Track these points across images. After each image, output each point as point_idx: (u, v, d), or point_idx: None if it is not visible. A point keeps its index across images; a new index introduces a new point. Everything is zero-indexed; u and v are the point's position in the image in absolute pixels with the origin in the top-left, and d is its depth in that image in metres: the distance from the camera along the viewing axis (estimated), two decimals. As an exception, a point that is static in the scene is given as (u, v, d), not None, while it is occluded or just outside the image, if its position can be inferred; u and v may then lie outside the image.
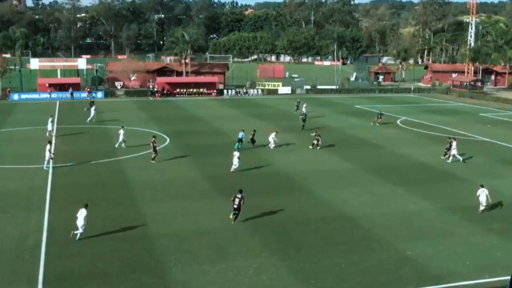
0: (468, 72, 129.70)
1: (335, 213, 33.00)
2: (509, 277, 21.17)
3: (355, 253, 26.89)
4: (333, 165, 45.90)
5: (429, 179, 41.42)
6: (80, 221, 27.80)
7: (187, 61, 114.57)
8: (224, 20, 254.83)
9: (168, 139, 55.46)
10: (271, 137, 51.67)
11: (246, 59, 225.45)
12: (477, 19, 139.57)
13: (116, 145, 50.70)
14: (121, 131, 51.32)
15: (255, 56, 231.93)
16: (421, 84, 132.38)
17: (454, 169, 44.14)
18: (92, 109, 68.72)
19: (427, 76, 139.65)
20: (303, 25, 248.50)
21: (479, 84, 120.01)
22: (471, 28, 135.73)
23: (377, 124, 66.01)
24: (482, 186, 33.89)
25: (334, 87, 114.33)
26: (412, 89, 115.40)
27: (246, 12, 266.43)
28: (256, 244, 27.81)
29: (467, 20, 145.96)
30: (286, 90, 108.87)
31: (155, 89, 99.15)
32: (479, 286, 23.77)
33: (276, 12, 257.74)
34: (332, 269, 25.03)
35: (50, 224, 30.13)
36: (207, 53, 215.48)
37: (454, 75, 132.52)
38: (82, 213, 27.96)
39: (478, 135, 60.56)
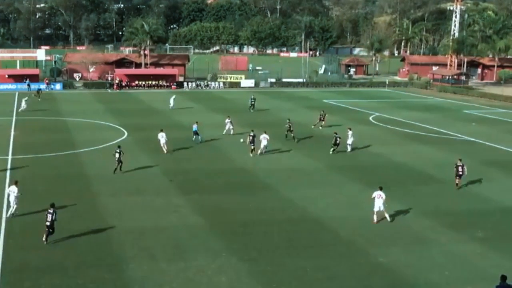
0: (451, 65, 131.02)
1: (301, 214, 33.65)
2: None
3: (321, 257, 27.32)
4: (299, 163, 46.73)
5: (404, 180, 42.07)
6: (11, 198, 31.38)
7: (146, 52, 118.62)
8: (185, 9, 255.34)
9: (126, 133, 57.75)
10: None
11: (207, 51, 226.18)
12: (462, 7, 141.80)
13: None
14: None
15: (217, 47, 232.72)
16: (397, 78, 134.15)
17: (432, 171, 44.83)
18: (24, 100, 72.24)
19: (404, 69, 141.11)
20: (269, 14, 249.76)
21: (463, 78, 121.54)
22: (455, 17, 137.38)
23: (320, 127, 62.12)
24: (380, 189, 33.02)
25: (301, 80, 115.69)
26: (387, 83, 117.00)
27: (208, 1, 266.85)
28: (216, 244, 28.70)
29: (451, 8, 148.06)
30: (250, 83, 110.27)
31: (118, 81, 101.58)
32: None
33: (240, 1, 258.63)
34: (296, 273, 25.46)
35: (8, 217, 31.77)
36: (167, 44, 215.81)
37: (434, 68, 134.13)
38: (13, 190, 31.46)
39: (461, 134, 61.63)
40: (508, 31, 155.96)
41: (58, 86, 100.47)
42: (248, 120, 64.99)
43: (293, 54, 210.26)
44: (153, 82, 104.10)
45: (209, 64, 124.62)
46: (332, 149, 49.88)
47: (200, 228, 30.90)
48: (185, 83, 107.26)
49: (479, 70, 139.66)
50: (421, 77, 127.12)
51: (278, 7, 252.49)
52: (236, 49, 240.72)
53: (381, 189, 33.06)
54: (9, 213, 31.58)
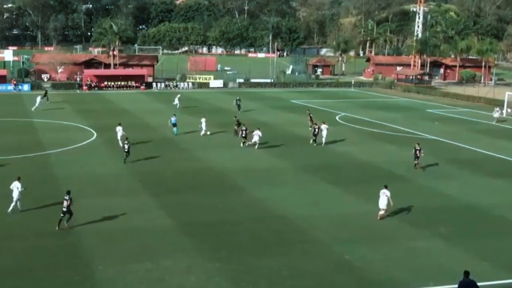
0: (414, 65, 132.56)
1: (268, 213, 33.71)
2: (455, 286, 21.72)
3: (288, 256, 27.42)
4: (267, 162, 46.77)
5: (369, 179, 42.22)
6: (15, 193, 31.90)
7: (115, 53, 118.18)
8: (154, 10, 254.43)
9: (95, 134, 57.21)
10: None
11: (176, 51, 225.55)
12: (425, 8, 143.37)
13: None
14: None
15: (186, 48, 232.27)
16: (362, 78, 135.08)
17: (396, 169, 45.09)
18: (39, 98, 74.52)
19: (369, 69, 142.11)
20: (237, 15, 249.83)
21: (426, 78, 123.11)
22: (419, 18, 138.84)
23: (310, 128, 60.37)
24: (386, 188, 33.57)
25: (268, 80, 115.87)
26: (353, 83, 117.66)
27: (177, 2, 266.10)
28: (185, 244, 28.66)
29: (414, 9, 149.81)
30: (218, 83, 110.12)
31: (89, 82, 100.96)
32: None
33: (208, 2, 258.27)
34: (264, 272, 25.53)
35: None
36: (136, 45, 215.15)
37: (399, 68, 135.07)
38: (16, 186, 32.04)
39: (424, 132, 62.07)
40: (469, 32, 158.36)
41: (26, 87, 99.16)
42: (218, 120, 64.92)
43: (261, 55, 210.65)
44: (122, 83, 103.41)
45: (178, 64, 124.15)
46: (312, 139, 53.65)
47: (169, 229, 30.78)
48: (154, 84, 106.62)
49: (442, 70, 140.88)
50: (386, 77, 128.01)
51: (246, 8, 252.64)
52: (204, 50, 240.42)
53: (386, 187, 33.57)
54: (10, 208, 32.05)
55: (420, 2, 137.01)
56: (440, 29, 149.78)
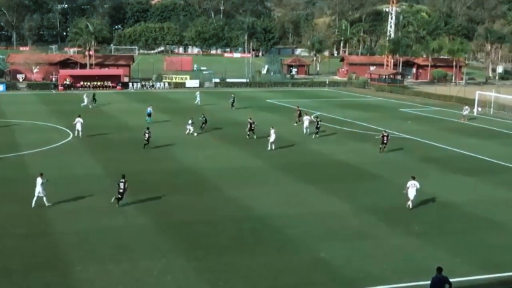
0: (387, 65, 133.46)
1: (245, 213, 33.73)
2: (429, 282, 21.85)
3: (265, 255, 27.46)
4: (243, 162, 46.81)
5: (345, 177, 42.46)
6: (37, 188, 32.68)
7: (91, 53, 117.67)
8: (130, 10, 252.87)
9: (71, 134, 56.39)
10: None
11: (152, 51, 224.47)
12: (397, 9, 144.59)
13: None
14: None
15: (162, 48, 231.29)
16: (336, 78, 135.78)
17: (371, 168, 45.39)
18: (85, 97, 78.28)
19: (343, 69, 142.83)
20: (212, 15, 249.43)
21: (399, 77, 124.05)
22: (391, 18, 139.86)
23: (295, 124, 65.29)
24: (413, 179, 35.18)
25: (244, 80, 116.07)
26: (327, 82, 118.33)
27: (153, 2, 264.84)
28: (162, 244, 28.56)
29: (387, 10, 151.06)
30: (194, 83, 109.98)
31: (67, 82, 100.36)
32: None
33: (184, 2, 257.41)
34: (242, 271, 25.56)
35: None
36: (111, 45, 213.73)
37: (372, 68, 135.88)
38: (38, 181, 32.75)
39: (397, 131, 62.29)
40: (440, 32, 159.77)
41: (0, 87, 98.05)
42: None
43: (237, 55, 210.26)
44: (98, 83, 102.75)
45: (154, 64, 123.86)
46: (316, 132, 57.22)
47: (146, 229, 30.67)
48: (130, 84, 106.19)
49: (414, 70, 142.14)
50: (360, 77, 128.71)
51: (221, 8, 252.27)
52: (180, 50, 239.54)
53: (413, 178, 34.88)
54: (33, 203, 32.98)
55: (393, 2, 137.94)
56: (412, 29, 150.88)
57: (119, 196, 33.59)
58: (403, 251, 28.60)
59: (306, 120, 58.64)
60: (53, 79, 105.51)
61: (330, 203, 36.23)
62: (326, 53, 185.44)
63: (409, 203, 34.83)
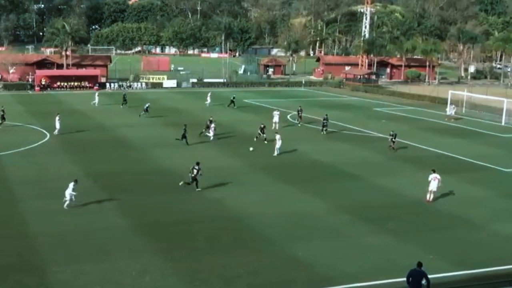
0: (362, 65, 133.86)
1: (223, 213, 33.68)
2: (405, 278, 22.05)
3: (243, 254, 27.47)
4: (221, 162, 46.63)
5: (321, 177, 42.56)
6: (68, 191, 32.61)
7: (68, 53, 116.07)
8: (107, 10, 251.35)
9: (48, 135, 55.84)
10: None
11: (129, 51, 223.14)
12: (371, 9, 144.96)
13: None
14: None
15: (139, 48, 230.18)
16: (312, 77, 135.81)
17: (347, 167, 45.51)
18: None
19: (319, 69, 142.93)
20: (189, 16, 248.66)
21: (373, 77, 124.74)
22: (366, 19, 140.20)
23: (299, 124, 65.53)
24: (434, 172, 36.43)
25: (221, 80, 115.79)
26: (303, 82, 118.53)
27: (130, 2, 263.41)
28: (140, 244, 28.45)
29: (362, 10, 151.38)
30: (172, 83, 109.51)
31: (44, 83, 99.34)
32: None
33: (161, 2, 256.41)
34: (219, 270, 25.52)
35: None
36: (89, 45, 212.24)
37: (347, 68, 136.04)
38: (70, 186, 32.86)
39: (372, 131, 62.84)
40: (414, 33, 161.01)
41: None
42: (172, 120, 64.70)
43: (214, 55, 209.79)
44: (75, 83, 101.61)
45: (131, 64, 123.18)
46: (324, 129, 59.75)
47: (124, 229, 30.50)
48: (107, 84, 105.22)
49: (388, 70, 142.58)
50: (335, 77, 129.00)
51: (198, 8, 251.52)
52: (158, 50, 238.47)
53: (434, 171, 36.58)
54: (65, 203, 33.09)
55: (367, 3, 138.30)
56: (386, 29, 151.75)
57: (190, 180, 36.71)
58: (379, 249, 28.75)
59: (275, 115, 61.11)
60: (30, 80, 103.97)
61: (307, 202, 36.30)
62: (302, 53, 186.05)
63: (429, 195, 36.41)
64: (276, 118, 61.48)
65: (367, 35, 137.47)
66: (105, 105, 78.74)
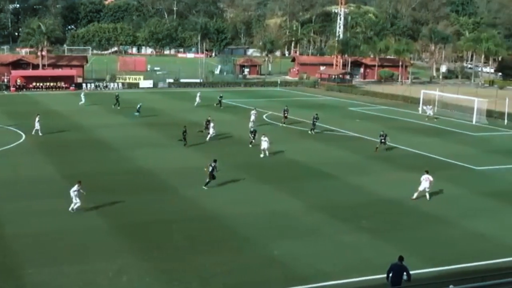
0: (336, 65, 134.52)
1: (199, 212, 33.66)
2: (379, 276, 22.33)
3: (220, 253, 27.47)
4: (197, 162, 45.80)
5: (297, 176, 42.67)
6: (72, 191, 32.12)
7: (43, 53, 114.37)
8: (83, 10, 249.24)
9: (23, 136, 55.22)
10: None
11: (106, 52, 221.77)
12: (346, 10, 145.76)
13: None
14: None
15: (116, 48, 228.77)
16: (288, 77, 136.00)
17: (323, 166, 45.61)
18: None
19: (294, 69, 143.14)
20: (166, 16, 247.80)
21: (347, 77, 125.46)
22: (340, 19, 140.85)
23: (283, 124, 67.03)
24: (427, 173, 37.05)
25: (198, 80, 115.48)
26: (279, 82, 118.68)
27: (106, 2, 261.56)
28: (117, 245, 28.32)
29: (336, 11, 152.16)
30: (148, 83, 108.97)
31: (19, 84, 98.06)
32: (348, 286, 24.59)
33: (138, 2, 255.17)
34: (196, 270, 25.49)
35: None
36: (65, 45, 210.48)
37: (322, 68, 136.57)
38: (73, 188, 32.24)
39: (347, 130, 63.21)
40: (387, 33, 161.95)
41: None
42: (150, 120, 64.55)
43: (190, 55, 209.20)
44: (51, 84, 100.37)
45: (107, 65, 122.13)
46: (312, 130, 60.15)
47: (101, 230, 30.35)
48: (83, 84, 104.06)
49: (362, 70, 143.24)
50: (310, 77, 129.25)
51: (174, 8, 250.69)
52: (134, 50, 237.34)
53: (427, 172, 37.18)
54: (75, 207, 32.52)
55: (341, 3, 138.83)
56: (360, 30, 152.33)
57: (208, 178, 37.79)
58: (353, 248, 28.93)
59: (252, 114, 61.74)
60: (5, 80, 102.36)
61: (284, 202, 36.39)
62: (278, 53, 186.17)
63: (417, 194, 36.93)
64: (253, 117, 61.59)
65: (341, 36, 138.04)
66: (83, 106, 78.19)
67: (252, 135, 53.43)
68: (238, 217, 33.00)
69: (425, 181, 36.75)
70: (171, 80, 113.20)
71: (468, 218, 34.30)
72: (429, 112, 74.50)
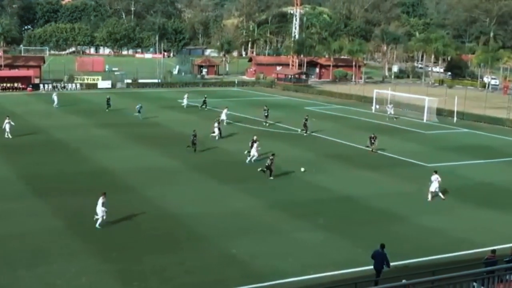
0: (292, 65, 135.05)
1: (158, 212, 33.44)
2: (335, 272, 22.62)
3: (178, 253, 27.38)
4: (157, 162, 46.21)
5: (254, 175, 42.31)
6: (98, 208, 30.08)
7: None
8: (40, 10, 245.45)
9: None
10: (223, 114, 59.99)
11: (63, 52, 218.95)
12: (301, 11, 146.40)
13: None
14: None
15: (73, 49, 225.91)
16: (245, 77, 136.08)
17: (280, 165, 45.18)
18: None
19: (251, 69, 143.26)
20: (123, 16, 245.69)
21: (303, 77, 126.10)
22: (295, 20, 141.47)
23: (266, 123, 67.39)
24: (436, 173, 37.86)
25: (156, 80, 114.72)
26: (236, 82, 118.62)
27: (63, 2, 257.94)
28: (76, 246, 27.90)
29: (291, 12, 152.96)
30: (106, 84, 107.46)
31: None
32: (304, 283, 24.65)
33: (95, 2, 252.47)
34: (155, 270, 25.35)
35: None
36: (21, 46, 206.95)
37: (278, 68, 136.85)
38: (99, 201, 30.23)
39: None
40: (341, 34, 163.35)
41: None
42: (109, 121, 63.87)
43: (148, 55, 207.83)
44: (8, 85, 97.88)
45: (65, 65, 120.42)
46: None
47: (59, 232, 29.81)
48: (41, 85, 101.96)
49: (317, 70, 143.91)
50: (267, 77, 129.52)
51: (132, 9, 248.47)
52: (92, 50, 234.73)
53: (436, 172, 38.01)
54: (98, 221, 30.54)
55: (297, 4, 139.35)
56: (315, 30, 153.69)
57: (265, 169, 41.22)
58: (310, 245, 29.08)
59: (223, 113, 63.09)
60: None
61: (242, 200, 36.39)
62: (235, 53, 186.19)
63: (430, 196, 37.41)
64: (223, 116, 61.56)
65: (297, 36, 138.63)
66: (40, 107, 76.96)
67: (219, 131, 55.31)
68: (197, 216, 32.85)
69: (435, 181, 37.56)
70: (130, 81, 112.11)
71: (421, 213, 34.75)
72: (390, 111, 75.17)
